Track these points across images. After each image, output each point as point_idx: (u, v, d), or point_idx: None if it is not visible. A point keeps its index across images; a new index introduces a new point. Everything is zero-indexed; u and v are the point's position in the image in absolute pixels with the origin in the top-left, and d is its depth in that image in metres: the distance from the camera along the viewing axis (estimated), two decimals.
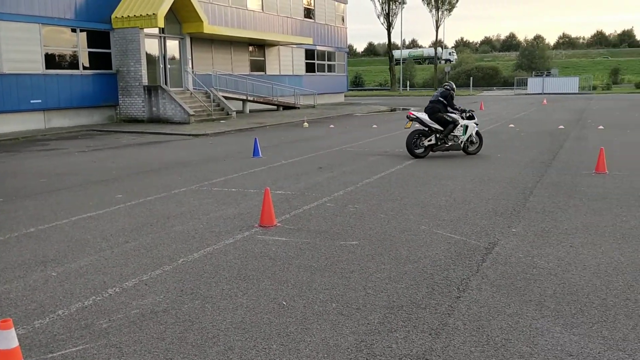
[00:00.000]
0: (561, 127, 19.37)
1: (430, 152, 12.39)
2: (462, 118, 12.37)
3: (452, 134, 12.24)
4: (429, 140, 12.26)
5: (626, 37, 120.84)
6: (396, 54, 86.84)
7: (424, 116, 12.24)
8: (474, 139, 12.62)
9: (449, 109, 12.38)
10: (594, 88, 58.63)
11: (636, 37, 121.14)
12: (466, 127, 12.35)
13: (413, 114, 12.44)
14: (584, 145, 14.16)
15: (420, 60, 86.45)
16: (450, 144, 12.28)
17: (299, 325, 4.08)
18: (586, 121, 21.70)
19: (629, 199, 7.95)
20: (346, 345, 3.76)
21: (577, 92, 54.02)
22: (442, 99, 12.41)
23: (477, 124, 12.57)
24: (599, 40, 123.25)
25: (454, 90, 12.68)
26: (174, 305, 4.46)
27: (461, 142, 12.34)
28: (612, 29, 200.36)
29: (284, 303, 4.48)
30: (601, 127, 19.01)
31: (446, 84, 12.80)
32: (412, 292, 4.66)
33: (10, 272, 5.28)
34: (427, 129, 12.26)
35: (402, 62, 72.36)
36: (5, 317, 4.19)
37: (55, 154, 14.40)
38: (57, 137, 18.73)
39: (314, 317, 4.21)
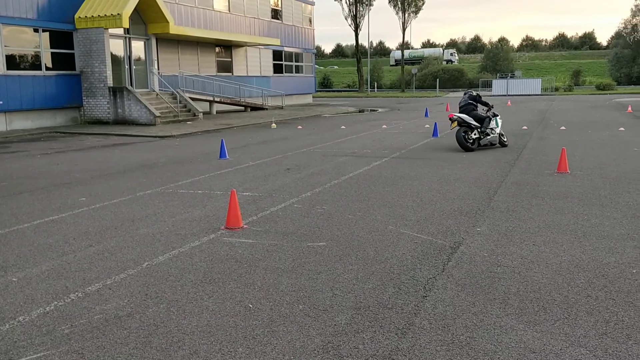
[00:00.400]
0: (525, 127, 19.73)
1: (477, 147, 13.74)
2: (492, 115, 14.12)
3: (489, 127, 13.82)
4: (474, 134, 13.56)
5: (587, 40, 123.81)
6: (396, 55, 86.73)
7: (463, 115, 13.54)
8: (503, 133, 14.48)
9: (479, 107, 14.15)
10: (557, 89, 59.93)
11: (597, 40, 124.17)
12: (497, 120, 14.13)
13: (454, 115, 13.54)
14: (547, 146, 14.45)
15: (421, 60, 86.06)
16: (490, 136, 13.83)
17: (265, 327, 4.06)
18: (549, 122, 22.16)
19: (589, 198, 8.14)
20: (313, 347, 3.76)
21: (540, 93, 55.14)
22: (471, 102, 14.03)
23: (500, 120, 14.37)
24: (561, 42, 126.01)
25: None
26: (139, 309, 4.39)
27: (498, 134, 13.97)
28: (573, 31, 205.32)
29: (250, 305, 4.45)
30: (563, 127, 19.43)
31: (469, 91, 14.98)
32: (379, 293, 4.68)
33: None
34: (466, 125, 13.54)
35: (402, 64, 72.38)
36: None
37: (17, 156, 14.06)
38: (19, 140, 18.29)
39: (280, 319, 4.20)
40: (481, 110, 14.25)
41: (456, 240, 6.12)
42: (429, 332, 3.94)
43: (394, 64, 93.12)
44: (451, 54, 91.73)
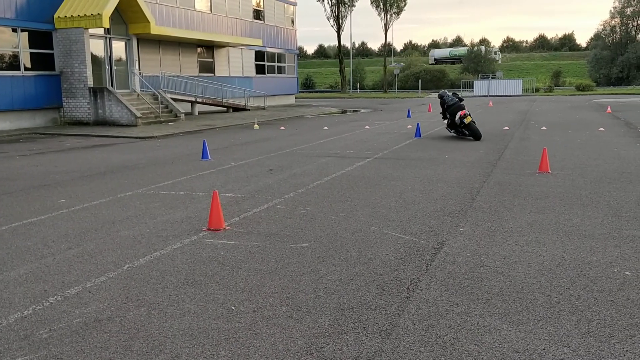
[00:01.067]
0: (506, 128, 19.88)
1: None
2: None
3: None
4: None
5: (567, 41, 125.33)
6: (437, 53, 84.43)
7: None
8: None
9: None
10: (537, 90, 60.57)
11: (576, 41, 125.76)
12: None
13: (468, 111, 16.26)
14: (528, 146, 14.56)
15: (461, 60, 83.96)
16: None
17: (248, 330, 4.01)
18: (530, 122, 22.35)
19: (571, 198, 8.20)
20: (296, 349, 3.72)
21: (521, 94, 55.68)
22: (457, 100, 16.68)
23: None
24: (541, 43, 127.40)
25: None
26: (119, 312, 4.32)
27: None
28: (553, 33, 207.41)
29: (233, 308, 4.40)
30: (544, 127, 19.61)
31: (445, 90, 17.49)
32: (362, 294, 4.65)
33: None
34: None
35: (443, 62, 71.63)
36: None
37: None
38: None
39: (263, 321, 4.16)
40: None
41: (439, 241, 6.12)
42: (412, 333, 3.92)
43: (433, 62, 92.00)
44: (495, 52, 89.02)
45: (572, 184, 9.21)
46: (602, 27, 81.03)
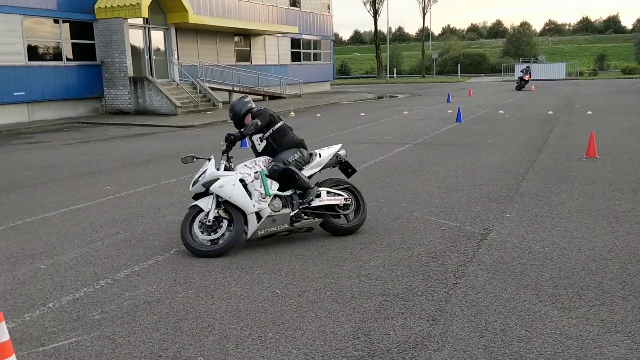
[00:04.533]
0: (550, 112, 19.41)
1: None
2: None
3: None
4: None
5: (611, 23, 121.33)
6: None
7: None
8: None
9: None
10: (581, 74, 58.92)
11: (621, 23, 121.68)
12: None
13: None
14: (574, 130, 14.19)
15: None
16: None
17: (293, 313, 4.02)
18: (574, 106, 21.77)
19: (620, 183, 7.96)
20: (343, 332, 3.71)
21: (564, 78, 54.26)
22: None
23: None
24: (585, 26, 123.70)
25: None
26: (168, 295, 4.39)
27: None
28: (597, 15, 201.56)
29: (278, 291, 4.42)
30: (589, 112, 19.07)
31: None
32: (408, 280, 4.61)
33: None
34: None
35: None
36: None
37: (41, 146, 14.19)
38: (41, 130, 18.46)
39: (308, 305, 4.16)
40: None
41: (485, 227, 6.02)
42: (461, 319, 3.87)
43: None
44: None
45: (621, 169, 8.93)
46: None
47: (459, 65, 65.18)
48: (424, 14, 70.65)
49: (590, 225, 5.97)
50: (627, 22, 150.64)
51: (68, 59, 22.08)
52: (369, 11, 66.53)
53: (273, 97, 31.57)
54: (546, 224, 6.07)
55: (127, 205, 7.47)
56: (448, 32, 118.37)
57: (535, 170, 9.03)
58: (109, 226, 6.44)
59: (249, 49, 32.43)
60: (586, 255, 5.04)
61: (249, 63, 32.10)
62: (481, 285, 4.44)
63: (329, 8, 42.40)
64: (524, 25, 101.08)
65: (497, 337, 3.60)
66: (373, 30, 69.61)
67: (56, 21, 21.55)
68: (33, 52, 20.75)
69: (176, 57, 25.35)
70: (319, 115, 21.87)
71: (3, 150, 13.65)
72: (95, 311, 4.12)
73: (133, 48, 23.29)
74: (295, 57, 37.58)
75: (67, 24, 22.02)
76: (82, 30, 22.56)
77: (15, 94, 20.01)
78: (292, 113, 22.49)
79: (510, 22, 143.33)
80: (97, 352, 3.53)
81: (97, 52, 23.06)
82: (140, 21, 23.43)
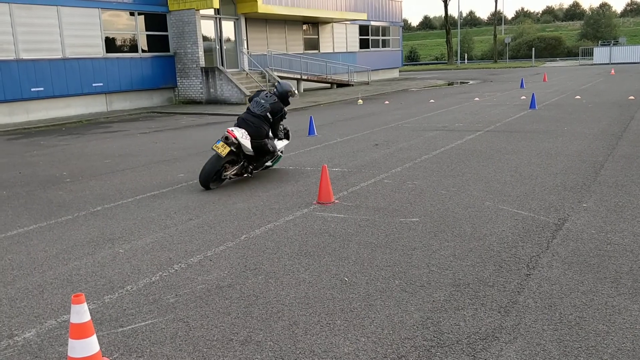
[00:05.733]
0: (631, 97, 18.42)
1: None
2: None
3: (267, 163, 8.70)
4: (235, 171, 8.05)
5: None
6: None
7: (246, 143, 7.84)
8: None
9: (278, 133, 8.70)
10: None
11: None
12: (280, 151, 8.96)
13: (236, 137, 7.72)
14: None
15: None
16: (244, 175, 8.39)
17: (362, 301, 4.03)
18: None
19: None
20: (412, 322, 3.69)
21: None
22: (269, 115, 8.27)
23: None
24: None
25: (280, 95, 8.48)
26: (238, 280, 4.49)
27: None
28: None
29: (346, 279, 4.43)
30: None
31: (276, 84, 8.79)
32: (479, 270, 4.52)
33: (79, 250, 5.45)
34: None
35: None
36: (76, 292, 4.33)
37: (118, 135, 14.80)
38: (119, 120, 19.24)
39: (377, 293, 4.15)
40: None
41: (560, 217, 5.81)
42: (534, 311, 3.76)
43: None
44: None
45: None
46: None
47: (533, 49, 62.83)
48: None
49: None
50: None
51: (143, 51, 22.86)
52: None
53: (341, 84, 31.55)
54: (626, 214, 5.79)
55: (199, 192, 7.69)
56: (522, 15, 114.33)
57: (615, 159, 8.61)
58: (182, 212, 6.65)
59: (317, 37, 32.49)
60: None
61: (317, 51, 32.19)
62: (555, 277, 4.29)
63: None
64: (604, 6, 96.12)
65: (573, 331, 3.48)
66: (443, 15, 68.13)
67: (132, 14, 22.33)
68: (110, 44, 21.61)
69: (246, 46, 25.75)
70: (387, 102, 21.69)
71: (84, 139, 14.33)
72: (170, 294, 4.27)
73: (204, 38, 23.84)
74: (364, 44, 37.35)
75: (142, 16, 22.77)
76: (156, 22, 23.29)
77: (94, 85, 20.94)
78: (360, 100, 22.41)
79: (588, 3, 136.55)
80: (172, 334, 3.66)
81: (171, 44, 23.75)
82: (211, 12, 23.94)
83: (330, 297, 4.11)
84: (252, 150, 7.94)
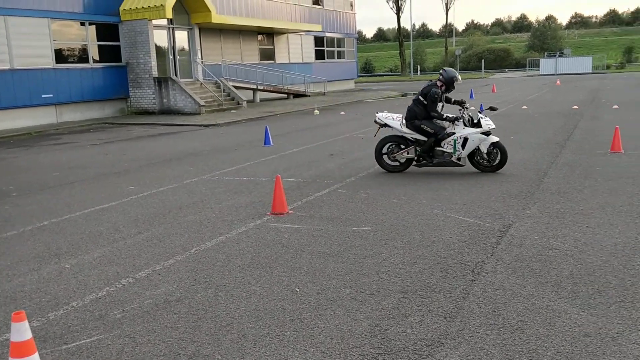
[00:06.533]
0: (575, 107, 19.11)
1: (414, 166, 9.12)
2: (463, 124, 8.85)
3: (439, 148, 8.79)
4: (406, 153, 8.89)
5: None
6: None
7: (395, 123, 9.03)
8: (484, 155, 8.71)
9: (432, 113, 8.82)
10: (608, 67, 57.83)
11: None
12: (465, 139, 8.66)
13: (380, 120, 9.18)
14: (599, 125, 13.96)
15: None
16: (437, 160, 8.81)
17: (312, 311, 4.05)
18: (600, 101, 21.40)
19: None
20: (360, 330, 3.73)
21: (590, 71, 53.32)
22: (423, 99, 8.94)
23: (488, 133, 8.68)
24: (612, 18, 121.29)
25: (447, 81, 8.93)
26: (187, 294, 4.46)
27: (457, 157, 8.76)
28: (625, 6, 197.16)
29: (297, 290, 4.45)
30: (616, 106, 18.73)
31: (440, 72, 9.17)
32: (426, 277, 4.61)
33: (24, 265, 5.31)
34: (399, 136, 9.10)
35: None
36: (19, 310, 4.22)
37: (68, 147, 14.47)
38: (69, 131, 18.81)
39: (327, 303, 4.19)
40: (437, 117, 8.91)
41: (505, 224, 5.98)
42: (478, 316, 3.86)
43: None
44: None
45: None
46: None
47: (483, 61, 64.50)
48: (447, 10, 70.14)
49: (613, 221, 5.89)
50: None
51: (94, 61, 22.45)
52: (391, 8, 66.26)
53: (297, 95, 31.66)
54: (567, 220, 6.00)
55: (149, 204, 7.59)
56: (472, 27, 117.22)
57: (558, 166, 8.92)
58: (132, 226, 6.55)
59: (272, 47, 32.56)
60: (608, 252, 4.98)
61: (272, 61, 32.24)
62: (499, 282, 4.42)
63: (351, 6, 42.31)
64: (549, 18, 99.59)
65: (515, 335, 3.58)
66: (396, 27, 69.23)
67: (82, 24, 21.92)
68: (60, 55, 21.15)
69: (200, 56, 25.58)
70: (343, 113, 21.88)
71: (32, 151, 13.95)
72: (116, 310, 4.21)
73: (157, 48, 23.59)
74: (319, 55, 37.60)
75: (93, 27, 22.38)
76: (107, 32, 22.92)
77: (43, 96, 20.43)
78: (316, 111, 22.54)
79: (535, 15, 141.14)
80: (117, 350, 3.61)
81: (123, 54, 23.40)
82: (164, 22, 23.72)
83: (281, 309, 4.12)
84: (409, 131, 8.93)
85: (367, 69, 79.48)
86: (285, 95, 31.39)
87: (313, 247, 5.47)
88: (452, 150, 8.74)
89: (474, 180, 8.15)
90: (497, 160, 8.67)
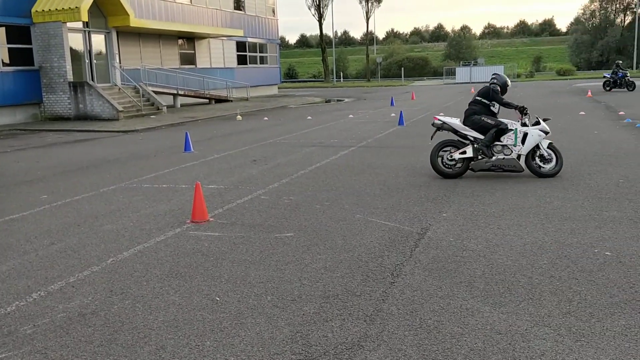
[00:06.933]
0: None
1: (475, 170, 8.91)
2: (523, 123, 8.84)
3: (498, 142, 8.74)
4: (462, 153, 8.76)
5: (547, 26, 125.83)
6: None
7: (454, 120, 9.05)
8: (546, 154, 8.66)
9: (492, 109, 9.05)
10: (518, 76, 60.87)
11: (556, 26, 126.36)
12: (525, 134, 8.67)
13: (439, 119, 9.10)
14: None
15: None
16: (497, 157, 8.67)
17: (233, 320, 4.02)
18: None
19: (551, 181, 8.29)
20: (281, 337, 3.74)
21: None
22: (481, 98, 9.10)
23: (546, 133, 8.69)
24: (522, 29, 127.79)
25: (501, 85, 9.06)
26: (103, 306, 4.31)
27: (517, 154, 8.64)
28: (533, 18, 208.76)
29: (218, 299, 4.40)
30: None
31: (494, 77, 9.30)
32: (347, 281, 4.68)
33: None
34: (459, 139, 9.00)
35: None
36: None
37: None
38: None
39: (248, 311, 4.17)
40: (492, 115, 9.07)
41: (423, 227, 6.17)
42: (397, 318, 3.96)
43: None
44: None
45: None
46: (582, 11, 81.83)
47: (403, 69, 66.31)
48: (367, 18, 71.52)
49: (521, 222, 6.20)
50: (562, 25, 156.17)
51: (4, 64, 21.34)
52: (313, 15, 66.88)
53: (219, 100, 31.33)
54: (480, 222, 6.27)
55: (63, 214, 7.28)
56: (392, 36, 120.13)
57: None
58: (44, 237, 6.26)
59: (193, 52, 32.09)
60: (517, 252, 5.24)
61: (193, 66, 31.77)
62: (417, 284, 4.55)
63: (273, 12, 42.41)
64: (465, 28, 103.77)
65: (431, 335, 3.70)
66: (319, 34, 69.93)
67: None
68: None
69: (118, 60, 24.84)
70: (266, 118, 21.85)
71: None
72: (27, 325, 4.01)
73: (73, 52, 22.70)
74: (242, 60, 37.41)
75: (3, 28, 21.27)
76: (18, 34, 21.84)
77: None
78: (239, 116, 22.39)
79: (451, 25, 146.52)
80: None
81: (35, 57, 22.36)
82: (79, 25, 22.86)
83: (201, 318, 4.06)
84: (470, 127, 8.91)
85: (290, 75, 79.80)
86: (207, 101, 31.00)
87: (234, 255, 5.43)
88: (512, 143, 8.65)
89: (394, 186, 8.35)
90: (555, 161, 8.68)
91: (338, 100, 34.08)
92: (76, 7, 21.11)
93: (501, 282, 4.54)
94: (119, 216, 7.07)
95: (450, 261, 5.05)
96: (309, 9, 68.75)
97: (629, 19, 76.17)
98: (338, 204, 7.32)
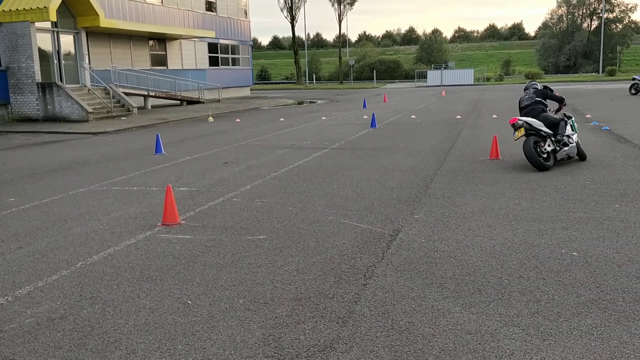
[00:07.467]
0: (458, 117, 20.23)
1: (554, 162, 9.64)
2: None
3: (564, 134, 9.68)
4: (548, 145, 9.50)
5: (516, 31, 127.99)
6: None
7: (531, 120, 9.58)
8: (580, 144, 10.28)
9: (561, 97, 10.28)
10: (488, 79, 61.79)
11: (525, 30, 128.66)
12: (573, 123, 10.13)
13: (520, 119, 9.59)
14: (480, 134, 14.87)
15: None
16: (568, 147, 9.71)
17: (205, 323, 4.00)
18: (481, 111, 22.80)
19: (520, 183, 8.43)
20: (254, 340, 3.73)
21: (472, 83, 56.72)
22: (539, 99, 10.09)
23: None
24: (492, 33, 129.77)
25: (542, 85, 10.46)
26: (72, 311, 4.24)
27: (575, 142, 9.92)
28: (503, 22, 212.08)
29: (189, 302, 4.38)
30: (495, 116, 20.04)
31: (532, 83, 10.58)
32: (320, 283, 4.69)
33: None
34: (536, 134, 9.52)
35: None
36: None
37: None
38: None
39: (220, 314, 4.15)
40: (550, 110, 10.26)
41: (395, 228, 6.22)
42: (369, 319, 3.99)
43: None
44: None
45: (521, 170, 9.45)
46: (549, 16, 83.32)
47: (375, 71, 66.70)
48: (340, 21, 71.76)
49: (491, 223, 6.30)
50: (530, 30, 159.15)
51: None
52: (286, 17, 66.84)
53: (191, 102, 31.09)
54: (451, 223, 6.35)
55: (31, 217, 7.15)
56: (364, 38, 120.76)
57: (443, 173, 9.41)
58: (11, 240, 6.14)
59: (164, 53, 31.79)
60: (487, 253, 5.32)
61: (165, 67, 31.47)
62: (389, 285, 4.59)
63: (245, 13, 42.27)
64: (436, 32, 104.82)
65: (403, 336, 3.74)
66: (291, 36, 69.90)
67: None
68: None
69: (87, 61, 24.47)
70: (238, 120, 21.76)
71: None
72: None
73: (41, 52, 22.28)
74: (213, 61, 37.19)
75: None
76: None
77: None
78: (210, 118, 22.24)
79: (422, 29, 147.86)
80: None
81: (2, 57, 21.90)
82: (48, 25, 22.47)
83: (172, 322, 4.03)
84: (542, 123, 9.58)
85: (263, 77, 79.63)
86: (179, 102, 30.74)
87: (206, 258, 5.40)
88: (574, 131, 10.05)
89: (366, 188, 8.40)
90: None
91: (311, 102, 34.13)
92: (44, 6, 20.73)
93: (471, 282, 4.61)
94: (89, 219, 6.97)
95: (421, 262, 5.11)
96: (282, 10, 68.69)
97: (595, 23, 77.95)
98: (310, 206, 7.34)
